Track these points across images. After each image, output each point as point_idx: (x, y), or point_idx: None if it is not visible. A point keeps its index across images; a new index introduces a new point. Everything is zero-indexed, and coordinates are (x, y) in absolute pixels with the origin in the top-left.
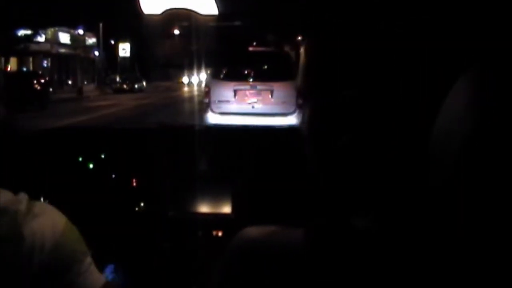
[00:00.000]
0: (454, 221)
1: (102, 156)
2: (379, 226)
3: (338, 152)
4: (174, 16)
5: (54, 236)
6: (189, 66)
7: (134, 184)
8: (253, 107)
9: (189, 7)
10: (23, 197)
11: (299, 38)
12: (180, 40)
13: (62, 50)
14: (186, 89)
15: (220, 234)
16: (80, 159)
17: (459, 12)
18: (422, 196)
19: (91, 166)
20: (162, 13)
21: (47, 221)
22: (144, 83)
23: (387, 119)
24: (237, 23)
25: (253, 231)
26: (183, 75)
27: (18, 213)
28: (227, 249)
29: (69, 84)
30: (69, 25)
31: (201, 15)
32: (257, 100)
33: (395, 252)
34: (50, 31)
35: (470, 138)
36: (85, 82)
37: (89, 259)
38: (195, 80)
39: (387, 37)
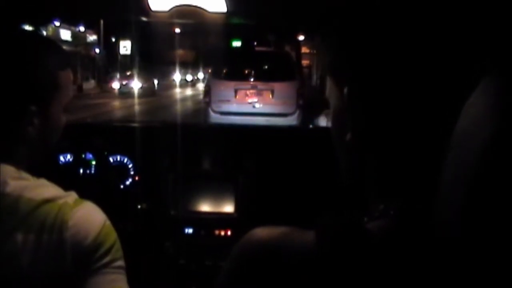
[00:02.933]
0: (472, 223)
1: (104, 153)
2: (393, 228)
3: (346, 149)
4: (177, 14)
5: (96, 231)
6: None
7: (136, 182)
8: (253, 106)
9: (197, 4)
10: (72, 193)
11: (300, 38)
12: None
13: (63, 47)
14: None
15: (223, 233)
16: (82, 156)
17: (479, 15)
18: (438, 198)
19: (93, 163)
20: (170, 10)
21: (92, 216)
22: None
23: (399, 118)
24: (248, 21)
25: (262, 232)
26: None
27: (65, 205)
28: (235, 250)
29: None
30: (72, 22)
31: (209, 12)
32: (258, 99)
33: (408, 255)
34: (51, 28)
35: (491, 141)
36: (86, 80)
37: (122, 263)
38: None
39: (407, 39)
